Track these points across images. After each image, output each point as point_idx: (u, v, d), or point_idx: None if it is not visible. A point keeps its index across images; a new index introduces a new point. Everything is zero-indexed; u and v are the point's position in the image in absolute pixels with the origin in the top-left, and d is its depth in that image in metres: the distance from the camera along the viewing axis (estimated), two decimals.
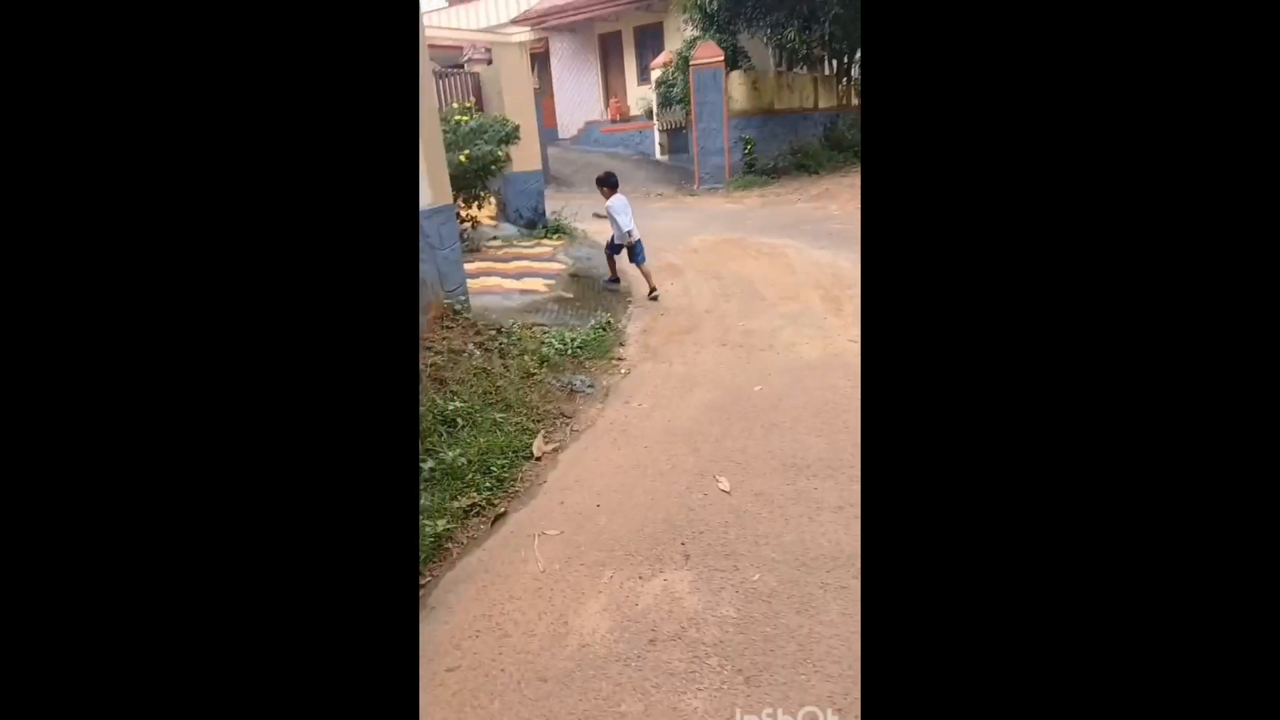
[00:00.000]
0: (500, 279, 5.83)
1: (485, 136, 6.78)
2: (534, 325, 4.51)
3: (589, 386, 3.86)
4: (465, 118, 6.71)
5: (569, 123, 17.60)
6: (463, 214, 7.14)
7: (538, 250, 7.26)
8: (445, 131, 6.46)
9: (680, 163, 14.29)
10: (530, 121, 8.13)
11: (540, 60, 17.70)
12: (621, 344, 4.62)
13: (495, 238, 7.83)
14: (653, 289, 5.76)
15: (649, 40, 16.07)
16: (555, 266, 6.42)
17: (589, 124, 16.99)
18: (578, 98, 17.47)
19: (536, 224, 8.24)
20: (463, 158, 6.46)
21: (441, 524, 2.52)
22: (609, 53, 16.97)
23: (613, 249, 6.07)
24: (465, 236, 7.23)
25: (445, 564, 2.43)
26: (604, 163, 15.28)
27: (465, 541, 2.55)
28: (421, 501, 2.63)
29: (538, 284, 5.70)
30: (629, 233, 5.66)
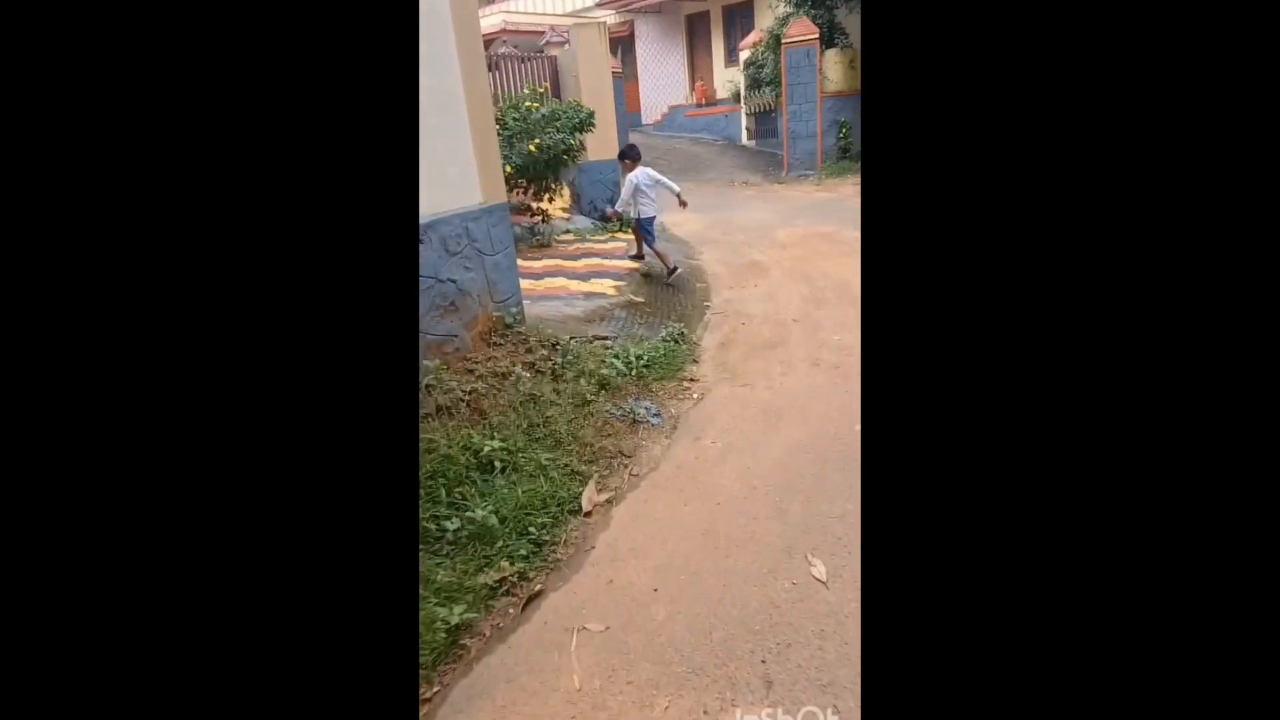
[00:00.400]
0: (566, 280, 5.32)
1: (558, 124, 6.27)
2: (596, 339, 3.96)
3: (654, 416, 3.28)
4: (536, 104, 6.21)
5: (653, 107, 16.96)
6: (533, 207, 6.68)
7: (611, 246, 6.71)
8: (514, 119, 6.00)
9: (768, 148, 13.41)
10: (607, 106, 7.57)
11: (625, 44, 17.11)
12: (695, 360, 4.01)
13: (568, 231, 7.35)
14: (671, 267, 5.59)
15: (738, 20, 15.18)
16: (628, 265, 5.86)
17: (673, 109, 16.29)
18: (663, 81, 16.80)
19: (612, 217, 7.69)
20: (532, 147, 5.98)
21: (460, 611, 2.01)
22: (695, 34, 16.18)
23: (647, 237, 5.70)
24: (536, 231, 6.78)
25: (460, 667, 1.92)
26: (687, 149, 14.63)
27: (488, 633, 2.04)
28: (441, 576, 2.13)
29: (606, 286, 5.15)
30: (614, 212, 5.64)
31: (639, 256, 5.82)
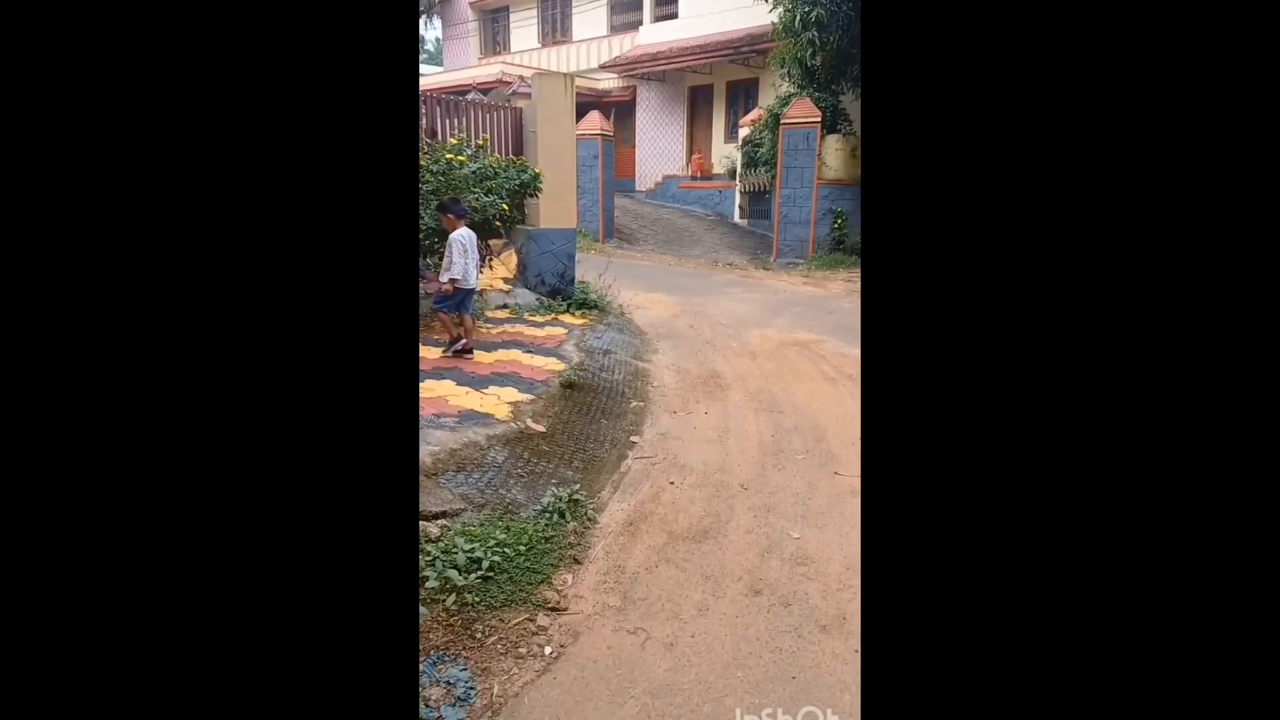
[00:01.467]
0: (455, 386, 3.90)
1: (490, 183, 4.96)
2: (423, 517, 2.51)
3: (457, 702, 1.81)
4: (461, 157, 4.90)
5: (648, 175, 15.95)
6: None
7: (546, 332, 5.34)
8: (433, 173, 4.68)
9: (760, 229, 12.28)
10: (568, 167, 6.31)
11: (626, 108, 16.23)
12: (577, 559, 2.55)
13: (505, 306, 5.99)
14: (463, 345, 4.51)
15: (742, 96, 14.29)
16: (551, 366, 4.46)
17: (667, 178, 15.27)
18: (660, 150, 15.83)
19: (560, 293, 6.35)
20: None
21: None
22: (698, 106, 15.29)
23: (461, 309, 4.56)
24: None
25: None
26: (676, 220, 13.51)
27: None
28: None
29: (503, 402, 3.73)
30: (452, 280, 4.35)
31: (455, 343, 4.57)
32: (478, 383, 3.99)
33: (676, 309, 7.20)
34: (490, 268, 5.45)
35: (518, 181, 5.15)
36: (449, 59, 20.02)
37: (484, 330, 5.25)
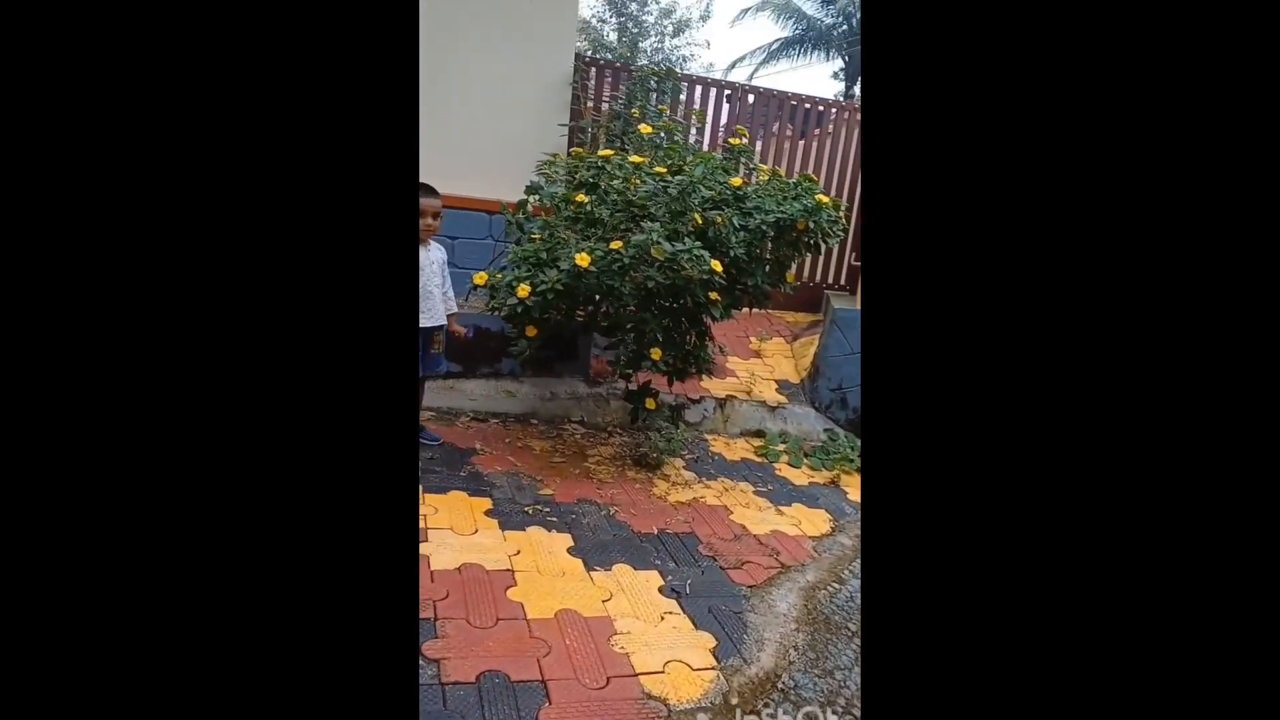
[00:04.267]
0: None
1: (717, 212, 2.31)
2: None
3: None
4: (639, 157, 2.33)
5: None
6: (630, 382, 2.81)
7: (777, 524, 2.44)
8: (610, 192, 2.31)
9: None
10: None
11: None
12: None
13: (759, 433, 3.23)
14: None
15: None
16: (680, 682, 1.60)
17: None
18: None
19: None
20: (582, 259, 2.17)
21: None
22: None
23: (434, 367, 2.62)
24: (652, 422, 2.88)
25: None
26: None
27: None
28: None
29: None
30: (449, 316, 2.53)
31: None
32: None
33: None
34: (704, 373, 2.78)
35: (770, 218, 2.37)
36: None
37: (670, 481, 2.61)
